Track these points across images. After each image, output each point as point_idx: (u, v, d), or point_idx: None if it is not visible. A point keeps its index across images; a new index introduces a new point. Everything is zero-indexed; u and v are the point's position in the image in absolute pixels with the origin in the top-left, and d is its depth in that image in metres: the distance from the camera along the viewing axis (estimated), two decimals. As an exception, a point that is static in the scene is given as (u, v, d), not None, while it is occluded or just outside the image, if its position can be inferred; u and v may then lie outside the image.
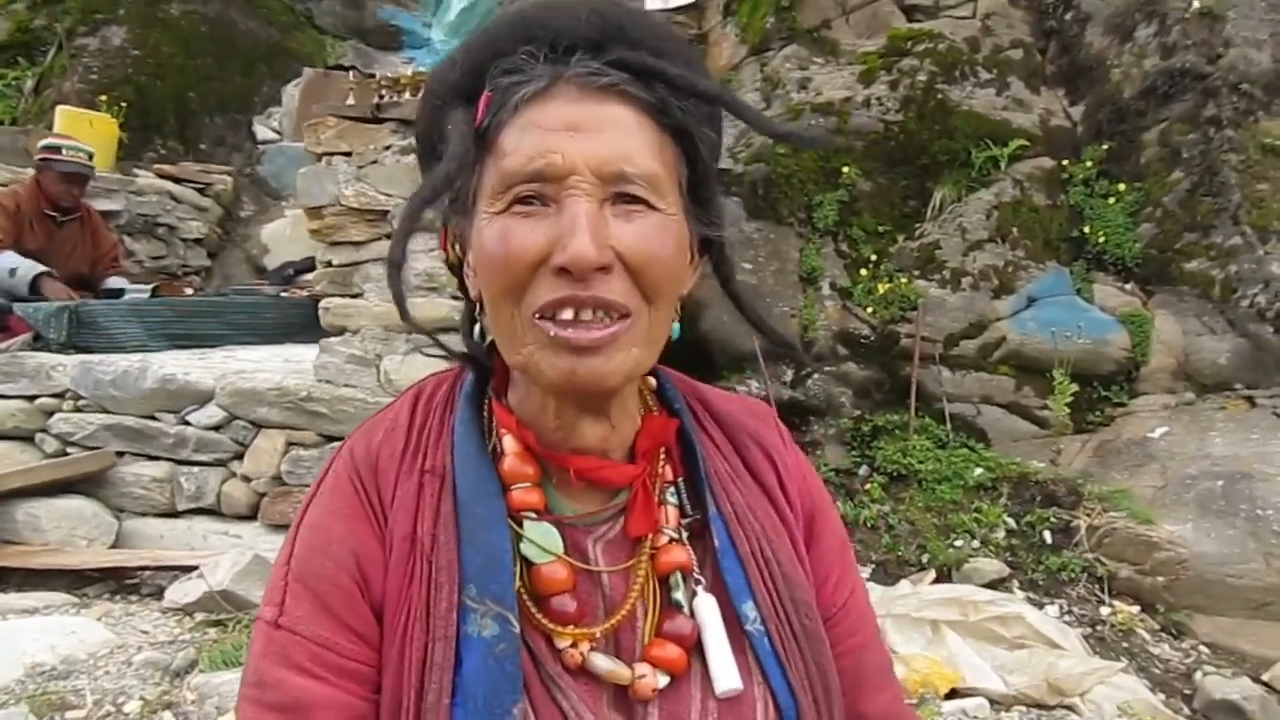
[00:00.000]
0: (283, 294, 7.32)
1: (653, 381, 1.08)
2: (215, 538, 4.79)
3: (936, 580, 4.35)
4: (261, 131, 10.27)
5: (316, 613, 0.91)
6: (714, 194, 0.99)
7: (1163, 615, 4.19)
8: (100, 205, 7.47)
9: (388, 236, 4.83)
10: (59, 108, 8.54)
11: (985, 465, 4.83)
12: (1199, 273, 5.13)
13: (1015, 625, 3.77)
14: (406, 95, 5.08)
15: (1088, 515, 4.46)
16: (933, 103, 5.73)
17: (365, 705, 0.90)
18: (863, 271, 5.44)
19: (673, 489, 1.02)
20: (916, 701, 3.41)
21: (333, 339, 4.93)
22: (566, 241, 0.85)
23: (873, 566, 4.48)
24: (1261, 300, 4.93)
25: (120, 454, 5.02)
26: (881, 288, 5.28)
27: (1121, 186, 5.46)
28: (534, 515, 0.95)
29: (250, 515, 4.83)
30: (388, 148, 4.87)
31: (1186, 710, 3.71)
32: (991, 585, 4.26)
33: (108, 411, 5.07)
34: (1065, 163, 5.66)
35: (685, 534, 1.01)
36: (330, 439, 4.74)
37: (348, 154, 4.95)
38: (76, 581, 4.47)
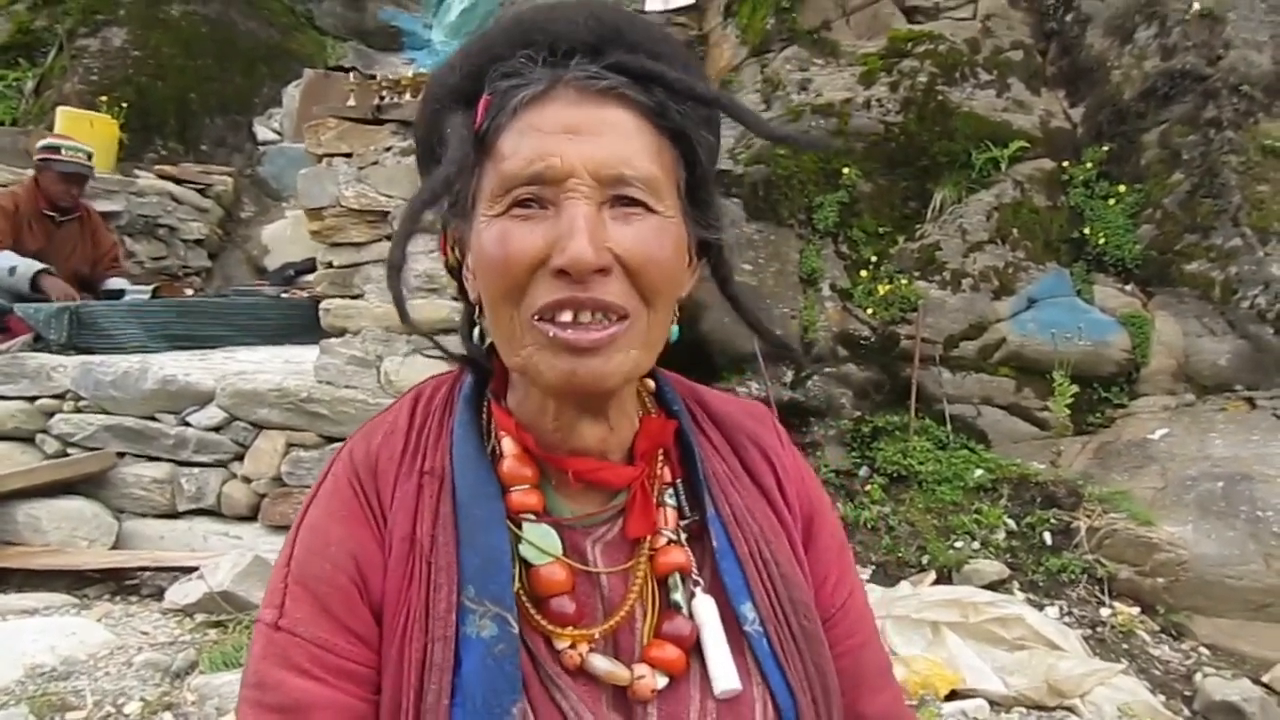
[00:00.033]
0: (283, 295, 7.32)
1: (651, 383, 1.08)
2: (215, 539, 4.79)
3: (937, 581, 4.35)
4: (262, 132, 10.28)
5: (316, 614, 0.91)
6: (712, 196, 1.00)
7: (1163, 617, 4.19)
8: (101, 206, 7.48)
9: (388, 238, 4.84)
10: (59, 109, 8.55)
11: (985, 466, 4.83)
12: (1199, 274, 5.14)
13: (1015, 626, 3.77)
14: (407, 96, 5.08)
15: (1088, 516, 4.46)
16: (933, 104, 5.73)
17: (365, 706, 0.90)
18: (863, 273, 5.44)
19: (671, 490, 1.03)
20: (916, 703, 3.41)
21: (333, 340, 4.93)
22: (565, 244, 0.85)
23: (873, 568, 4.48)
24: (1262, 301, 4.94)
25: (121, 455, 5.02)
26: (882, 289, 5.29)
27: (1122, 188, 5.46)
28: (533, 517, 0.95)
29: (250, 516, 4.83)
30: (388, 149, 4.88)
31: (1186, 711, 3.71)
32: (991, 586, 4.26)
33: (108, 412, 5.06)
34: (1065, 164, 5.66)
35: (684, 535, 1.01)
36: (331, 440, 4.74)
37: (348, 155, 4.95)
38: (77, 582, 4.47)
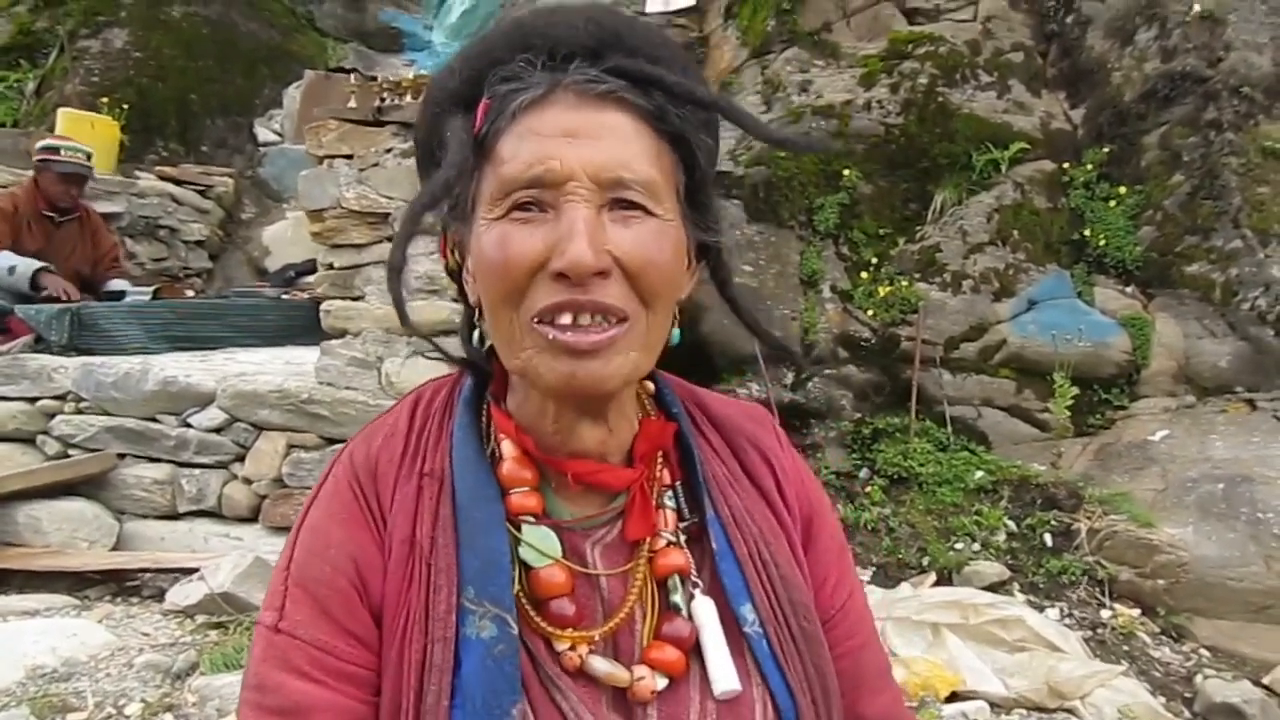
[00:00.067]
0: (284, 296, 7.33)
1: (650, 386, 1.09)
2: (216, 540, 4.80)
3: (937, 583, 4.35)
4: (263, 134, 10.28)
5: (315, 617, 0.92)
6: (711, 199, 1.00)
7: (1163, 618, 4.19)
8: (102, 207, 7.48)
9: (389, 239, 4.84)
10: (60, 110, 8.56)
11: (986, 468, 4.83)
12: (1199, 276, 5.14)
13: (1016, 628, 3.77)
14: (408, 98, 5.09)
15: (1088, 518, 4.46)
16: (933, 106, 5.73)
17: (364, 708, 0.91)
18: (863, 274, 5.44)
19: (670, 492, 1.03)
20: (917, 704, 3.41)
21: (334, 341, 4.94)
22: (564, 247, 0.85)
23: (873, 569, 4.48)
24: (1262, 303, 4.94)
25: (121, 456, 5.02)
26: (882, 291, 5.29)
27: (1122, 189, 5.46)
28: (532, 519, 0.95)
29: (251, 517, 4.84)
30: (389, 151, 4.88)
31: (1187, 713, 3.71)
32: (992, 588, 4.26)
33: (109, 414, 5.07)
34: (1066, 166, 5.66)
35: (683, 537, 1.01)
36: (331, 441, 4.75)
37: (349, 157, 4.96)
38: (77, 583, 4.48)
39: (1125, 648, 4.02)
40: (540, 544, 0.94)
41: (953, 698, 3.50)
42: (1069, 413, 5.00)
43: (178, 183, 8.90)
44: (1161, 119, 5.51)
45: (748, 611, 0.98)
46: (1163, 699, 3.69)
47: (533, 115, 0.89)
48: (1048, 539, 4.49)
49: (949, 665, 3.59)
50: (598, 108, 0.89)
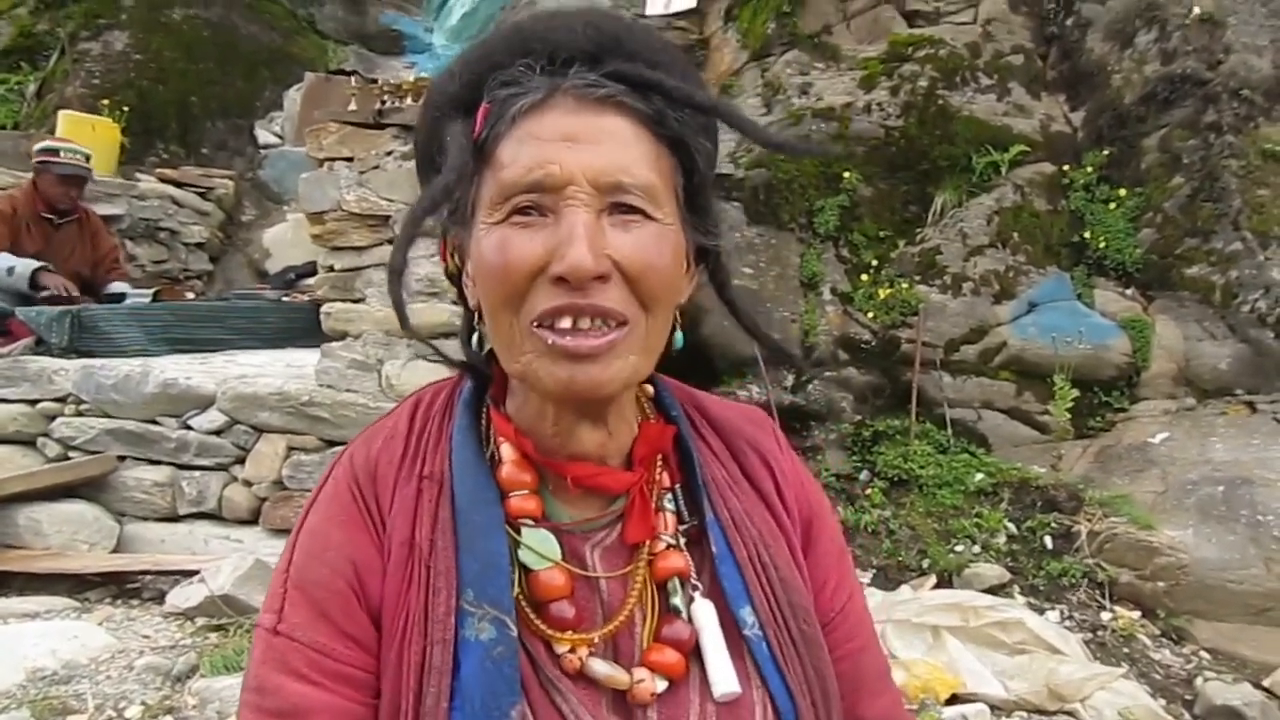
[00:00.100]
0: (284, 298, 7.34)
1: (650, 389, 1.09)
2: (216, 542, 4.80)
3: (937, 585, 4.35)
4: (263, 136, 10.29)
5: (314, 619, 0.92)
6: (710, 203, 1.00)
7: (1163, 621, 4.19)
8: (102, 209, 7.49)
9: (389, 242, 4.85)
10: (61, 112, 8.56)
11: (986, 470, 4.83)
12: (1200, 278, 5.13)
13: (1016, 631, 3.77)
14: (408, 101, 5.10)
15: (1088, 520, 4.46)
16: (933, 108, 5.73)
17: (363, 710, 0.91)
18: (863, 277, 5.44)
19: (670, 495, 1.03)
20: (917, 707, 3.41)
21: (334, 344, 4.95)
22: (564, 251, 0.85)
23: (873, 572, 4.48)
24: (1262, 306, 4.93)
25: (122, 458, 5.03)
26: (882, 293, 5.29)
27: (1122, 192, 5.46)
28: (531, 522, 0.96)
29: (251, 520, 4.84)
30: (389, 153, 4.89)
31: (1187, 716, 3.71)
32: (992, 590, 4.26)
33: (109, 416, 5.07)
34: (1066, 168, 5.66)
35: (683, 540, 1.01)
36: (331, 444, 4.75)
37: (349, 159, 4.97)
38: (78, 586, 4.48)
39: (1125, 650, 4.02)
40: (540, 547, 0.94)
41: (953, 700, 3.50)
42: (1069, 415, 4.99)
43: (178, 185, 8.91)
44: (1161, 121, 5.51)
45: (747, 614, 0.98)
46: (1163, 701, 3.69)
47: (532, 120, 0.89)
48: (1048, 541, 4.49)
49: (949, 668, 3.59)
50: (597, 112, 0.90)
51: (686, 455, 1.05)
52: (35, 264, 6.03)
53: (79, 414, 5.14)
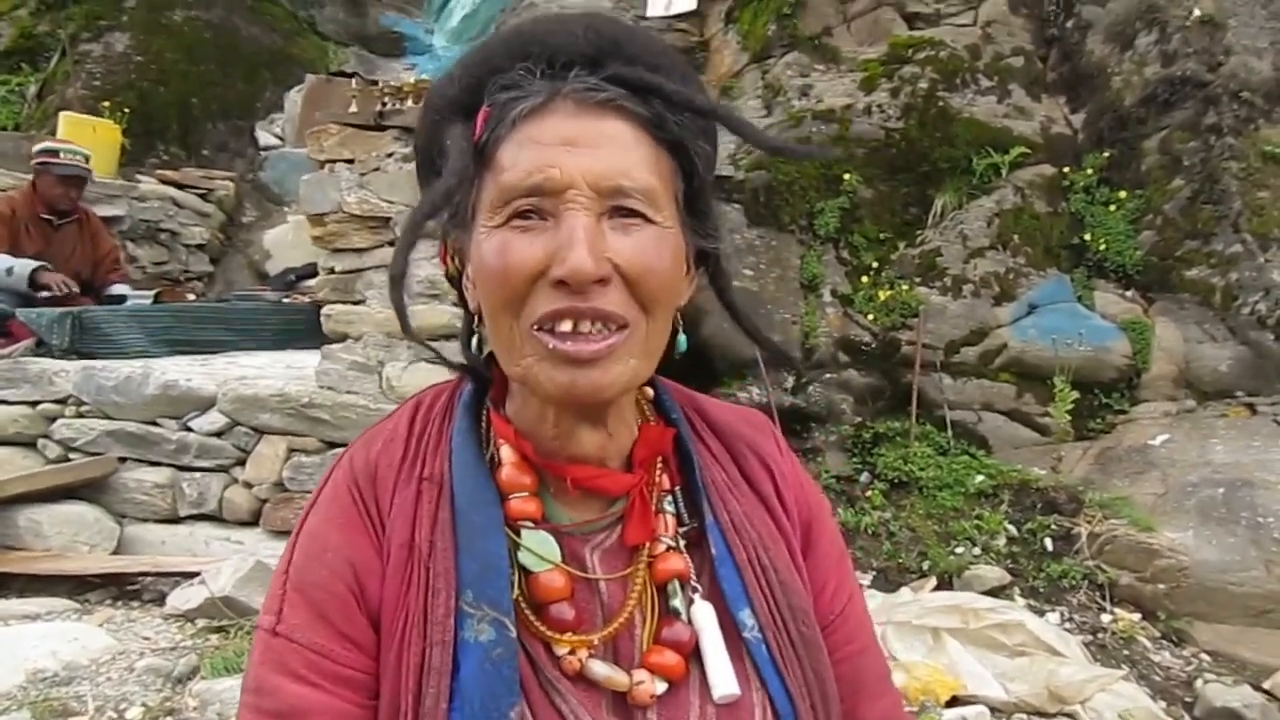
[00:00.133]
0: (285, 300, 7.34)
1: (650, 391, 1.09)
2: (217, 544, 4.80)
3: (937, 587, 4.35)
4: (264, 137, 10.30)
5: (313, 620, 0.92)
6: (710, 206, 1.01)
7: (1164, 623, 4.19)
8: (103, 211, 7.50)
9: (390, 243, 4.85)
10: (62, 113, 8.57)
11: (986, 472, 4.83)
12: (1200, 280, 5.14)
13: (1016, 633, 3.77)
14: (409, 103, 5.10)
15: (1089, 522, 4.45)
16: (934, 110, 5.74)
17: (361, 712, 0.91)
18: (864, 278, 5.44)
19: (670, 498, 1.03)
20: (917, 709, 3.41)
21: (335, 346, 4.95)
22: (564, 254, 0.86)
23: (874, 573, 4.48)
24: (1262, 308, 4.93)
25: (122, 460, 5.03)
26: (882, 295, 5.29)
27: (1122, 194, 5.46)
28: (531, 524, 0.96)
29: (252, 521, 4.84)
30: (390, 155, 4.89)
31: (1187, 718, 3.70)
32: (992, 592, 4.26)
33: (110, 417, 5.08)
34: (1066, 170, 5.66)
35: (683, 542, 1.02)
36: (332, 445, 4.75)
37: (350, 161, 4.97)
38: (78, 587, 4.48)
39: (1125, 652, 4.01)
40: (539, 549, 0.94)
41: (953, 702, 3.50)
42: (1069, 417, 4.99)
43: (179, 186, 8.91)
44: (1161, 123, 5.51)
45: (747, 617, 0.99)
46: (1163, 703, 3.69)
47: (532, 123, 0.90)
48: (1048, 543, 4.49)
49: (949, 670, 3.59)
50: (597, 116, 0.90)
51: (686, 458, 1.05)
52: (34, 264, 6.04)
53: (79, 415, 5.14)
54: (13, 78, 9.76)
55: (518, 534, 0.95)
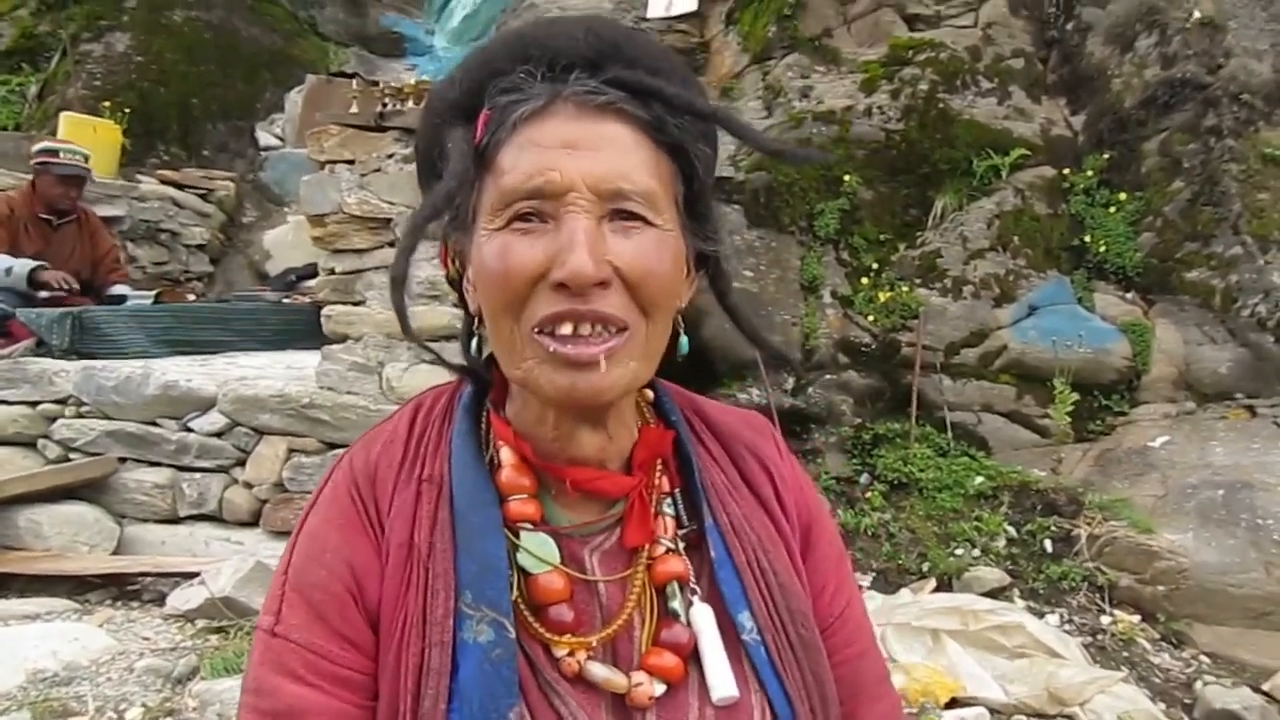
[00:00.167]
0: (285, 300, 7.35)
1: (650, 394, 1.09)
2: (217, 544, 4.80)
3: (937, 589, 4.35)
4: (264, 138, 10.30)
5: (311, 621, 0.93)
6: (710, 209, 1.01)
7: (1163, 624, 4.19)
8: (103, 211, 7.50)
9: (390, 244, 4.85)
10: (62, 114, 8.58)
11: (986, 474, 4.83)
12: (1200, 282, 5.14)
13: (1016, 634, 3.77)
14: (409, 104, 5.11)
15: (1088, 524, 4.45)
16: (934, 112, 5.74)
17: (359, 713, 0.92)
18: (864, 280, 5.44)
19: (669, 500, 1.03)
20: (916, 711, 3.41)
21: (335, 346, 4.95)
22: (565, 257, 0.86)
23: (873, 575, 4.48)
24: (1262, 310, 4.94)
25: (122, 460, 5.03)
26: (882, 296, 5.29)
27: (1122, 196, 5.46)
28: (530, 526, 0.96)
29: (252, 522, 4.84)
30: (390, 156, 4.89)
31: (1187, 720, 3.71)
32: (992, 594, 4.26)
33: (110, 418, 5.08)
34: (1066, 172, 5.66)
35: (682, 545, 1.02)
36: (332, 446, 4.75)
37: (350, 162, 4.97)
38: (78, 587, 4.48)
39: (1125, 654, 4.01)
40: (538, 550, 0.95)
41: (952, 704, 3.50)
42: (1069, 419, 4.99)
43: (179, 186, 8.92)
44: (1161, 125, 5.51)
45: (746, 619, 0.99)
46: (1163, 705, 3.69)
47: (533, 126, 0.90)
48: (1048, 545, 4.49)
49: (949, 671, 3.59)
50: (597, 119, 0.90)
51: (686, 460, 1.05)
52: (32, 263, 6.04)
53: (79, 416, 5.14)
54: (13, 78, 9.77)
55: (517, 535, 0.95)
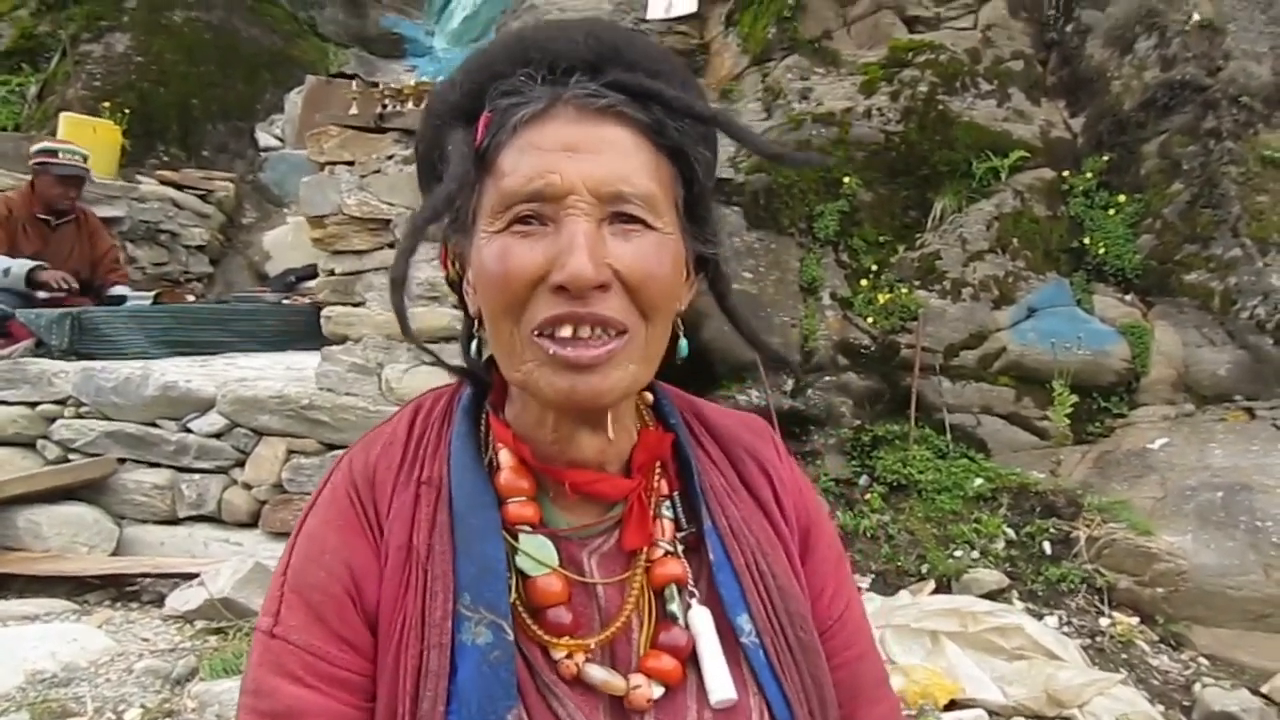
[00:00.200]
0: (284, 301, 7.35)
1: (649, 396, 1.09)
2: (216, 545, 4.80)
3: (936, 591, 4.35)
4: (264, 138, 10.30)
5: (310, 622, 0.93)
6: (710, 212, 1.01)
7: (1162, 626, 4.19)
8: (103, 211, 7.50)
9: (390, 245, 4.85)
10: (62, 114, 8.58)
11: (985, 476, 4.83)
12: (1199, 284, 5.14)
13: (1014, 636, 3.77)
14: (409, 105, 5.10)
15: (1087, 526, 4.45)
16: (933, 113, 5.74)
17: (358, 714, 0.92)
18: (863, 282, 5.45)
19: (668, 503, 1.04)
20: (915, 713, 3.41)
21: (334, 347, 4.95)
22: (565, 260, 0.86)
23: (872, 576, 4.48)
24: (1261, 312, 4.94)
25: (121, 461, 5.03)
26: (882, 298, 5.29)
27: (1121, 198, 5.46)
28: (529, 528, 0.96)
29: (251, 523, 4.84)
30: (390, 157, 4.89)
31: (1185, 722, 3.71)
32: (991, 596, 4.26)
33: (109, 418, 5.08)
34: (1065, 174, 5.66)
35: (681, 547, 1.02)
36: (331, 447, 4.75)
37: (350, 163, 4.97)
38: (77, 588, 4.48)
39: (1124, 656, 4.02)
40: (537, 553, 0.95)
41: (951, 706, 3.50)
42: (1068, 420, 4.99)
43: (179, 187, 8.92)
44: (1161, 128, 5.51)
45: (744, 622, 0.99)
46: (1161, 707, 3.69)
47: (533, 129, 0.90)
48: (1047, 547, 4.49)
49: (948, 673, 3.59)
50: (597, 122, 0.90)
51: (685, 463, 1.05)
52: (30, 263, 6.04)
53: (79, 416, 5.14)
54: (13, 78, 9.77)
55: (515, 538, 0.95)
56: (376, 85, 5.95)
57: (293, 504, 4.66)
